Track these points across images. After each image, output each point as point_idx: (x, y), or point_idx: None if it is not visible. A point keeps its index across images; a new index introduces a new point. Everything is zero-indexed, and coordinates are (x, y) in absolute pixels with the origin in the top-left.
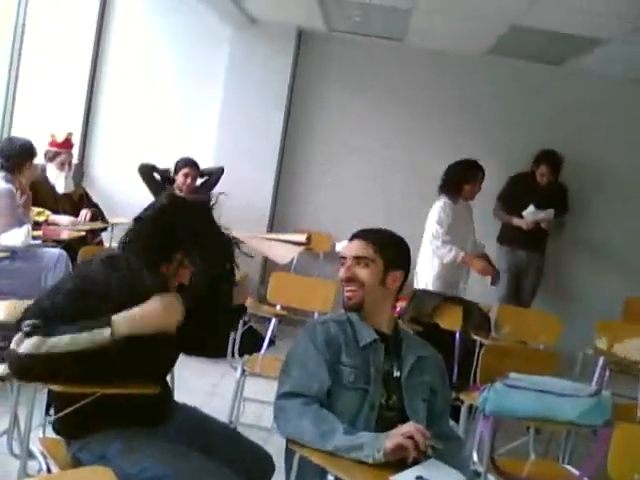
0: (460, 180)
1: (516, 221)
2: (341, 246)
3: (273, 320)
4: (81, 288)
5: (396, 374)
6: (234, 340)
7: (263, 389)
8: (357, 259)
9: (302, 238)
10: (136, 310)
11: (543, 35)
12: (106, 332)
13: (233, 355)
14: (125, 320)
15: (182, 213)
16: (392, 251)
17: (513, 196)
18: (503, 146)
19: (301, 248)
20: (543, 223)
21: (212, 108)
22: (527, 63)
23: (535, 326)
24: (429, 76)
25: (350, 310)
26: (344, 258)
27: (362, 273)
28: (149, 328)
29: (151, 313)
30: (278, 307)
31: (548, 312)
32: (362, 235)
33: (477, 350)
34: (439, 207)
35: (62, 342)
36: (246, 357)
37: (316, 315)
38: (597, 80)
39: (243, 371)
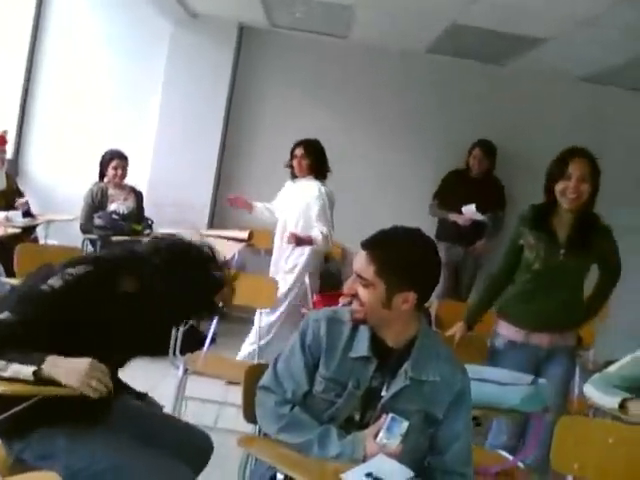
0: None
1: (452, 216)
2: None
3: (215, 317)
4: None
5: (383, 393)
6: (175, 338)
7: (205, 387)
8: (359, 276)
9: (244, 235)
10: (65, 363)
11: (483, 34)
12: (31, 369)
13: (174, 354)
14: (51, 368)
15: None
16: (397, 273)
17: (449, 192)
18: (442, 142)
19: (242, 244)
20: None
21: (151, 104)
22: (468, 61)
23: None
24: (372, 73)
25: (355, 323)
26: None
27: (363, 293)
28: (64, 382)
29: (72, 374)
30: (220, 304)
31: None
32: (369, 247)
33: None
34: None
35: None
36: (188, 355)
37: (258, 313)
38: (536, 78)
39: (185, 370)
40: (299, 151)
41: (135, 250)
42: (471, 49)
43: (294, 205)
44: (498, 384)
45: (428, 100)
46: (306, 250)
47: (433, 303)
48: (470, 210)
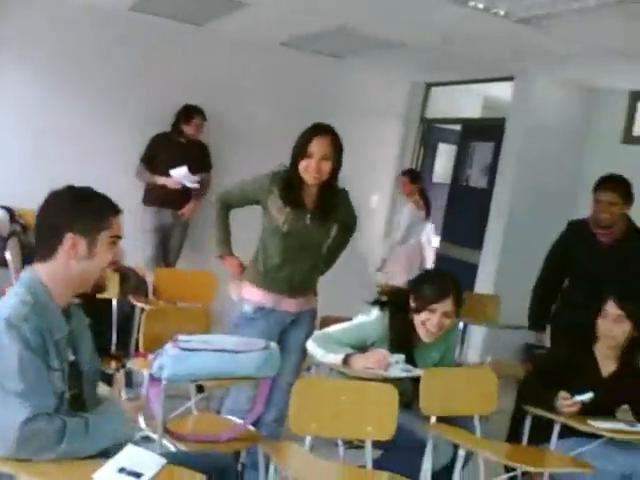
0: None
1: (161, 180)
2: None
3: None
4: None
5: (71, 358)
6: None
7: None
8: (119, 238)
9: None
10: None
11: None
12: None
13: None
14: None
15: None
16: None
17: (156, 156)
18: (146, 105)
19: None
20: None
21: None
22: (170, 21)
23: (193, 286)
24: (72, 29)
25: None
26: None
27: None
28: None
29: None
30: None
31: (197, 270)
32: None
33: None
34: None
35: None
36: None
37: None
38: (239, 42)
39: None
40: None
41: None
42: (172, 9)
43: None
44: (234, 352)
45: (131, 62)
46: None
47: (147, 272)
48: (181, 173)
